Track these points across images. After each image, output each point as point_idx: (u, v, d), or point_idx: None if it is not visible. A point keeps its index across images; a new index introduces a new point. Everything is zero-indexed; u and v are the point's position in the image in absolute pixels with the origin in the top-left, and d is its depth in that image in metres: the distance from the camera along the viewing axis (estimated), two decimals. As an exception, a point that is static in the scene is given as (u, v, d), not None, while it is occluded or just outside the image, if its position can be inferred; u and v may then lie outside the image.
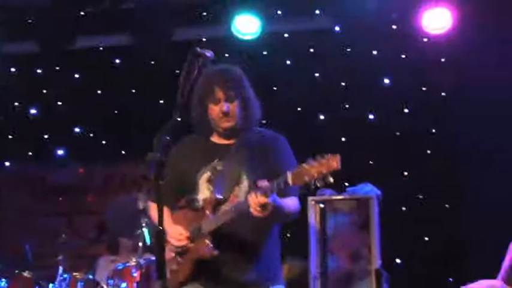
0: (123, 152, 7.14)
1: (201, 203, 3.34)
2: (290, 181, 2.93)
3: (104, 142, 7.20)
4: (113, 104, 7.12)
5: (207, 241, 3.22)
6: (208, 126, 3.47)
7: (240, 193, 3.28)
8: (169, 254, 3.34)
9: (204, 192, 3.36)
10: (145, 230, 5.13)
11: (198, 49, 3.30)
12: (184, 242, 3.28)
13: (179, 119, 3.22)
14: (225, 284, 3.28)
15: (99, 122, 7.10)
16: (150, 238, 5.03)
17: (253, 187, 3.09)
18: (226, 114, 3.37)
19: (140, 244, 5.09)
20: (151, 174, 2.90)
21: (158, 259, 2.84)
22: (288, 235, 6.41)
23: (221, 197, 3.30)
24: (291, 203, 3.26)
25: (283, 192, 3.13)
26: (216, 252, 3.21)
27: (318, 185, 2.88)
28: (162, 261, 2.81)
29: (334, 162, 2.84)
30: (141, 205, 5.16)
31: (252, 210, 3.04)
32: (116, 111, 7.14)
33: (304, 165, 2.90)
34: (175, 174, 3.37)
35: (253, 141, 3.42)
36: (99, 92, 7.18)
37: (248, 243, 3.28)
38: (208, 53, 3.34)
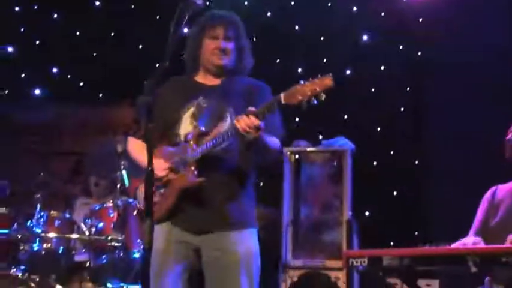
0: (100, 95, 7.14)
1: (182, 137, 3.39)
2: (283, 100, 3.04)
3: (81, 84, 7.19)
4: (92, 46, 7.09)
5: (193, 168, 3.28)
6: (197, 64, 3.52)
7: (223, 128, 3.33)
8: None
9: (186, 127, 3.40)
10: (123, 173, 5.21)
11: (190, -3, 3.35)
12: (166, 172, 3.33)
13: (168, 65, 3.28)
14: (198, 224, 3.34)
15: (77, 64, 7.07)
16: (129, 180, 5.11)
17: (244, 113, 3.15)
18: (222, 50, 3.43)
19: (118, 186, 5.18)
20: (142, 117, 2.97)
21: (147, 197, 2.91)
22: (261, 184, 6.58)
23: (204, 129, 3.35)
24: (274, 140, 3.35)
25: (269, 128, 3.24)
26: (202, 179, 3.26)
27: (311, 102, 2.98)
28: (150, 199, 2.88)
29: (328, 80, 2.96)
30: (119, 148, 5.24)
31: (241, 129, 3.11)
32: (94, 54, 7.11)
33: (297, 85, 3.00)
34: (160, 113, 3.40)
35: (239, 84, 3.48)
36: (77, 33, 7.13)
37: (231, 173, 3.35)
38: (199, 1, 3.40)
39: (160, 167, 3.32)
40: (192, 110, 3.42)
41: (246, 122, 3.10)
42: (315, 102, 3.00)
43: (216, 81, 3.51)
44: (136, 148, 3.51)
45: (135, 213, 5.08)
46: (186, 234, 3.35)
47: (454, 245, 3.62)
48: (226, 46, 3.44)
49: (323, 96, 2.98)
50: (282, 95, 3.05)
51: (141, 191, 3.46)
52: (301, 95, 2.98)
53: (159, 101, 3.28)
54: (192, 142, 3.34)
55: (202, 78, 3.55)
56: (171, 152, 3.40)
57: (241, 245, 3.35)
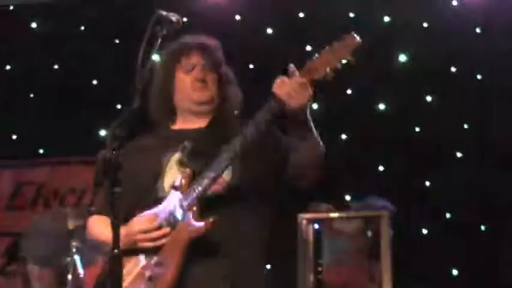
0: (40, 151, 7.18)
1: (166, 189, 3.44)
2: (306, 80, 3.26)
3: (14, 137, 7.26)
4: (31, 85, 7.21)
5: (194, 209, 3.30)
6: (170, 108, 3.62)
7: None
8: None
9: (172, 176, 3.45)
10: (76, 257, 5.26)
11: (163, 13, 3.43)
12: (157, 242, 3.34)
13: (137, 107, 3.34)
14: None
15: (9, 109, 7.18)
16: (83, 267, 5.17)
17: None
18: (202, 81, 3.54)
19: (69, 276, 5.21)
20: (103, 179, 3.03)
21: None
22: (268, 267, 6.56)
23: (195, 169, 3.39)
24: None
25: None
26: (212, 219, 3.26)
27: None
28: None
29: (354, 39, 3.25)
30: (70, 224, 5.31)
31: (285, 95, 3.27)
32: (31, 95, 7.22)
33: (314, 59, 3.29)
34: (132, 182, 3.42)
35: (231, 125, 3.55)
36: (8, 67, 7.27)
37: (242, 222, 3.41)
38: (175, 18, 3.47)
39: (145, 236, 3.35)
40: (176, 156, 3.48)
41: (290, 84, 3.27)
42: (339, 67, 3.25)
43: (202, 123, 3.59)
44: (98, 225, 3.57)
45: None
46: None
47: None
48: (206, 76, 3.56)
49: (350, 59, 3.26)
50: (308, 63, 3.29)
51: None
52: (326, 65, 3.27)
53: (127, 163, 3.33)
54: (183, 186, 3.38)
55: (181, 123, 3.64)
56: (153, 212, 3.42)
57: None
